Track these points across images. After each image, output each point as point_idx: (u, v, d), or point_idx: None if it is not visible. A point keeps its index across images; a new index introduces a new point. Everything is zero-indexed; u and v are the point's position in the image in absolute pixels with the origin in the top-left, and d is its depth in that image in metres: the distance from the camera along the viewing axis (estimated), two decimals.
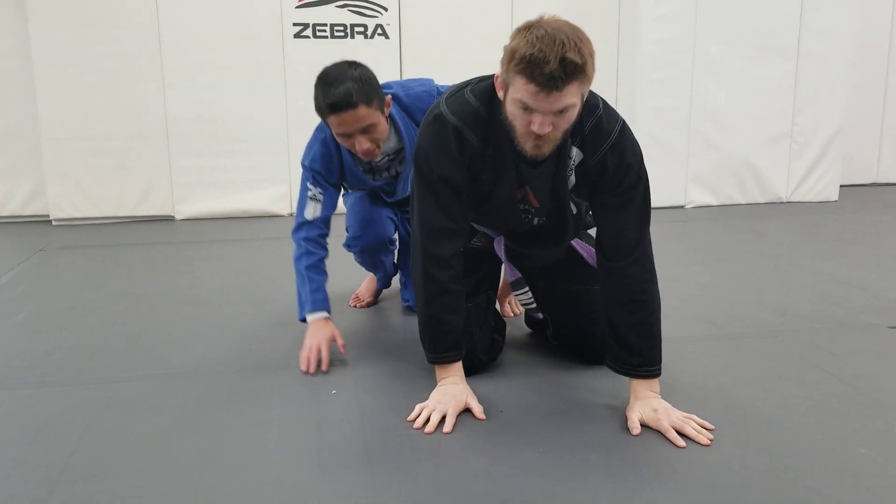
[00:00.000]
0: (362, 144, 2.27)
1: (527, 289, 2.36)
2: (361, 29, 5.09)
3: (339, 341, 2.39)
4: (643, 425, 1.91)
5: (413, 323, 2.67)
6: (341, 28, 5.06)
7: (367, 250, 2.76)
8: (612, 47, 5.32)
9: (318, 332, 2.37)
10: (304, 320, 2.44)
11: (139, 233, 4.66)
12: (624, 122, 1.98)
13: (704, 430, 1.88)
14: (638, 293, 1.99)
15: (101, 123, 4.88)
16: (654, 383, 1.98)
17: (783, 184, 5.58)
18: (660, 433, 1.87)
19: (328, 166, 2.45)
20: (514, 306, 2.92)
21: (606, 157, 1.95)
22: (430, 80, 2.60)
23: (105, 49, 4.79)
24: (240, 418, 2.00)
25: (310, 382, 2.24)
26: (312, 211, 2.44)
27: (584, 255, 2.30)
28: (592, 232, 2.18)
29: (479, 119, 1.93)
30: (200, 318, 2.88)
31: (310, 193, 2.44)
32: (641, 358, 1.98)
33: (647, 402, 1.95)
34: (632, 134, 1.99)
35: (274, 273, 3.56)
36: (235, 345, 2.57)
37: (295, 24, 5.00)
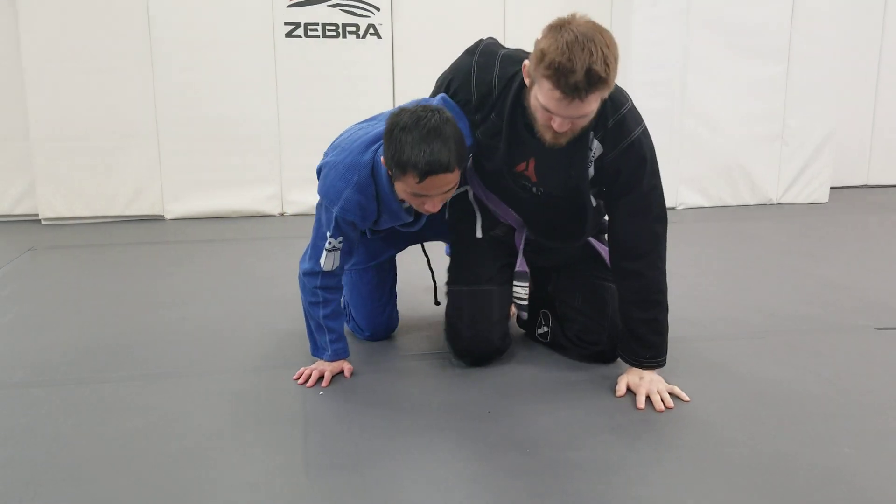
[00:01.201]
0: (435, 205, 2.01)
1: (527, 284, 2.39)
2: (353, 28, 5.08)
3: (347, 374, 2.27)
4: (630, 392, 2.13)
5: (401, 323, 2.68)
6: (333, 27, 5.05)
7: (376, 339, 2.63)
8: None
9: (329, 364, 2.26)
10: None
11: (129, 232, 4.64)
12: (646, 127, 2.07)
13: (664, 402, 2.05)
14: (653, 293, 2.13)
15: (92, 122, 4.85)
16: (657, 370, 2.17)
17: (774, 185, 5.59)
18: (645, 427, 1.89)
19: (363, 214, 2.11)
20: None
21: (624, 155, 2.03)
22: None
23: (95, 48, 4.76)
24: (225, 419, 2.00)
25: (296, 383, 2.23)
26: (331, 263, 2.16)
27: (602, 253, 2.34)
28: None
29: (490, 93, 2.07)
30: (188, 318, 2.87)
31: (328, 245, 2.13)
32: (653, 351, 2.15)
33: (638, 371, 2.14)
34: (651, 140, 2.08)
35: (263, 274, 3.55)
36: (222, 345, 2.57)
37: (286, 24, 4.98)
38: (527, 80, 1.93)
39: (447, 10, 5.22)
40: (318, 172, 2.19)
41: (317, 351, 2.29)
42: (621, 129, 2.02)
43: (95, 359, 2.44)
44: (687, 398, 2.09)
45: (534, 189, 2.16)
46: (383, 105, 5.18)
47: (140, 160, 4.96)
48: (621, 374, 2.18)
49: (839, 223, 4.87)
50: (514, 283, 2.38)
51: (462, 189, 2.34)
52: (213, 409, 2.06)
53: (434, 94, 2.25)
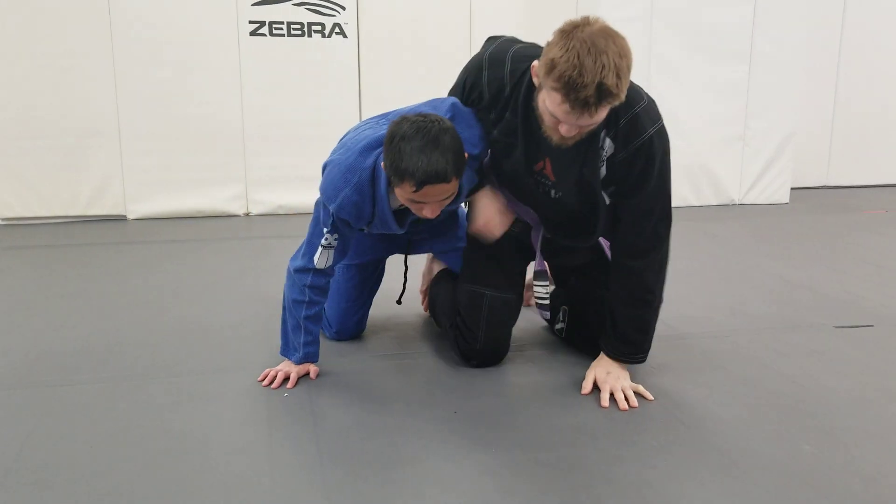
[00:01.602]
0: (434, 212, 2.02)
1: (547, 282, 2.40)
2: (319, 27, 5.05)
3: (313, 375, 2.26)
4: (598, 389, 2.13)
5: (374, 326, 2.67)
6: (298, 26, 5.02)
7: (340, 338, 2.62)
8: None
9: (296, 366, 2.25)
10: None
11: (90, 233, 4.57)
12: (663, 126, 2.02)
13: (628, 401, 2.07)
14: (644, 293, 2.13)
15: (52, 121, 4.76)
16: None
17: (736, 186, 5.67)
18: (607, 425, 1.90)
19: (358, 214, 2.10)
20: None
21: (634, 155, 1.99)
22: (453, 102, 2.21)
23: (56, 46, 4.68)
24: (190, 421, 1.97)
25: (261, 385, 2.21)
26: (325, 260, 2.18)
27: (608, 253, 2.35)
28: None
29: (502, 89, 2.04)
30: (151, 319, 2.83)
31: (325, 241, 2.16)
32: (633, 347, 2.18)
33: (606, 366, 2.15)
34: (666, 141, 2.03)
35: (227, 274, 3.51)
36: (186, 347, 2.54)
37: (251, 22, 4.94)
38: (535, 81, 1.89)
39: (413, 10, 5.22)
40: (323, 169, 2.17)
41: (286, 351, 2.27)
42: (633, 129, 1.97)
43: (56, 361, 2.40)
44: (651, 397, 2.11)
45: (552, 191, 2.13)
46: (349, 105, 5.18)
47: (102, 159, 4.88)
48: (590, 367, 2.20)
49: (800, 223, 4.95)
50: (535, 282, 2.40)
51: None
52: (176, 411, 2.03)
53: (452, 93, 2.23)
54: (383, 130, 2.05)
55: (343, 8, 5.08)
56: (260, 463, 1.76)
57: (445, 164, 1.89)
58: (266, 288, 3.02)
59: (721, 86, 5.39)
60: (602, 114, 1.79)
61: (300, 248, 2.24)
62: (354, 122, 5.20)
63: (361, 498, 1.61)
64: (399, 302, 2.70)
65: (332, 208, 2.09)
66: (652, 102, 2.02)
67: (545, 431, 1.92)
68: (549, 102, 1.80)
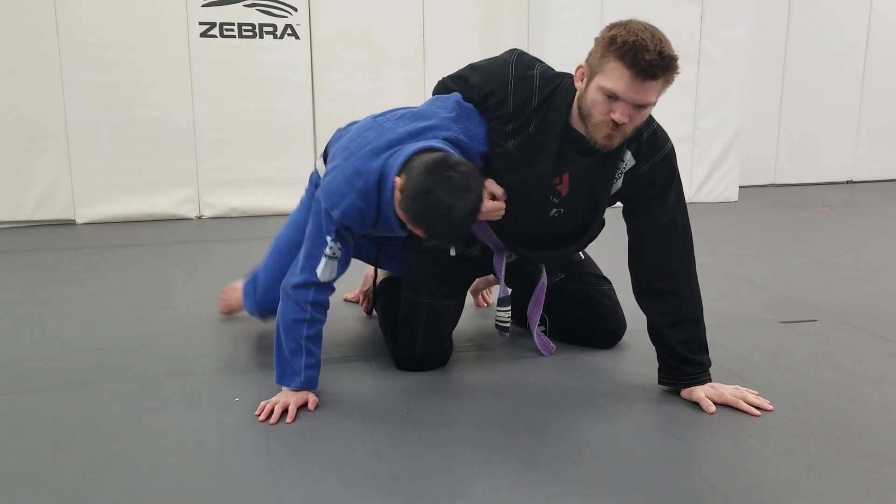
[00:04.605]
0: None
1: (509, 308, 2.41)
2: (270, 29, 5.02)
3: (311, 406, 2.07)
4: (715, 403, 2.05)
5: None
6: (249, 28, 4.98)
7: (262, 317, 2.55)
8: None
9: (294, 394, 2.07)
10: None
11: (38, 238, 4.48)
12: (672, 143, 2.10)
13: (761, 401, 2.05)
14: (688, 311, 2.10)
15: None
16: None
17: (686, 185, 5.72)
18: (559, 423, 1.92)
19: (362, 220, 2.04)
20: (487, 297, 3.01)
21: (658, 167, 2.05)
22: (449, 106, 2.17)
23: (0, 48, 4.59)
24: (137, 428, 1.95)
25: (212, 390, 2.19)
26: (329, 272, 2.06)
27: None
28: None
29: (529, 101, 2.04)
30: (99, 325, 2.78)
31: (328, 250, 2.05)
32: (698, 368, 2.09)
33: (698, 390, 2.07)
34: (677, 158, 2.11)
35: (178, 278, 3.48)
36: (134, 353, 2.50)
37: (201, 23, 4.89)
38: (579, 84, 1.93)
39: (365, 12, 5.21)
40: (324, 157, 2.15)
41: (283, 378, 2.08)
42: (655, 142, 2.05)
43: (0, 370, 2.35)
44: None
45: (553, 210, 2.13)
46: (302, 107, 5.15)
47: (49, 163, 4.80)
48: (685, 394, 2.10)
49: (747, 221, 5.06)
50: (497, 308, 2.41)
51: None
52: (124, 418, 2.01)
53: (451, 85, 2.21)
54: (388, 135, 2.03)
55: (295, 9, 5.05)
56: (210, 467, 1.74)
57: (465, 229, 1.96)
58: (218, 292, 2.99)
59: (670, 87, 5.47)
60: (656, 92, 1.84)
61: (295, 264, 2.11)
62: (307, 123, 5.22)
63: (313, 501, 1.61)
64: (370, 314, 2.69)
65: (335, 214, 2.02)
66: (661, 125, 2.11)
67: (496, 430, 1.94)
68: (607, 79, 1.82)
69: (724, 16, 5.53)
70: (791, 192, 6.33)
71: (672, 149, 2.09)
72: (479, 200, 1.95)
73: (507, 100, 2.06)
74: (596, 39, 1.88)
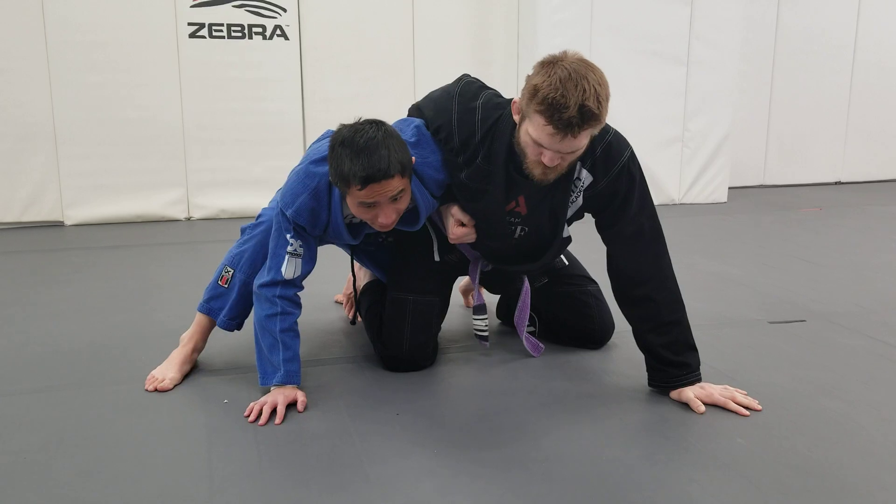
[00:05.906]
0: (388, 216, 1.99)
1: (485, 316, 2.43)
2: (260, 29, 5.01)
3: (301, 406, 2.06)
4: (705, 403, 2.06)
5: (307, 331, 2.65)
6: (239, 28, 4.97)
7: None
8: (511, 54, 5.41)
9: (282, 392, 2.06)
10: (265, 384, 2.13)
11: (25, 239, 4.45)
12: (632, 148, 2.09)
13: (748, 401, 2.06)
14: (667, 314, 2.10)
15: None
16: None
17: (676, 186, 5.78)
18: (549, 424, 1.92)
19: (314, 220, 2.10)
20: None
21: (617, 180, 2.05)
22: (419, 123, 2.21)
23: None
24: (127, 431, 1.94)
25: (201, 393, 2.19)
26: (293, 270, 2.10)
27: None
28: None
29: (472, 135, 2.06)
30: (88, 327, 2.77)
31: (290, 248, 2.10)
32: (685, 369, 2.09)
33: (688, 391, 2.08)
34: (638, 161, 2.11)
35: (168, 280, 3.46)
36: (124, 355, 2.49)
37: (190, 24, 4.87)
38: (516, 118, 1.95)
39: (355, 13, 5.21)
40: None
41: (265, 377, 2.10)
42: (610, 155, 2.04)
43: None
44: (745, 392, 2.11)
45: (518, 229, 2.17)
46: (292, 108, 5.15)
47: (37, 164, 4.77)
48: (674, 395, 2.10)
49: (737, 222, 5.07)
50: (474, 316, 2.43)
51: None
52: (113, 421, 2.00)
53: (412, 115, 2.26)
54: None
55: (284, 10, 5.04)
56: (199, 470, 1.73)
57: (388, 160, 1.90)
58: None
59: (660, 88, 5.49)
60: (584, 139, 1.84)
61: (262, 268, 2.18)
62: (297, 124, 5.22)
63: (304, 501, 1.60)
64: (353, 322, 2.70)
65: (289, 213, 2.08)
66: (617, 131, 2.10)
67: (486, 432, 1.94)
68: (532, 129, 1.84)
69: (713, 17, 5.54)
70: (780, 193, 6.36)
71: (631, 155, 2.08)
72: (399, 141, 1.96)
73: (452, 134, 2.09)
74: (527, 77, 1.88)
